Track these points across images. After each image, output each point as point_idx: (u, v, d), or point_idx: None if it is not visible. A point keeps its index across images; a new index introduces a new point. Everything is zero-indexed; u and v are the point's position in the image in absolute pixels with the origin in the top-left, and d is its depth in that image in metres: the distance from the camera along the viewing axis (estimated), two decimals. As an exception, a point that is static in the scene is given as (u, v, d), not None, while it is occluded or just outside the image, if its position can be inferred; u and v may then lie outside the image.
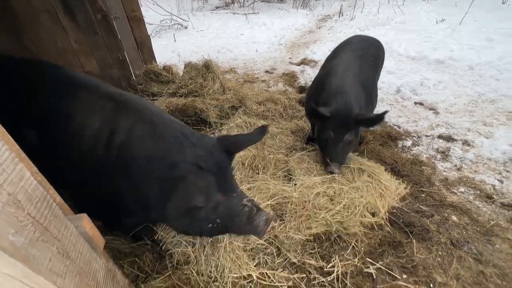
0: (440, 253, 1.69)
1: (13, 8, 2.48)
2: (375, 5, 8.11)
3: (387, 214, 1.88)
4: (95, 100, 1.35)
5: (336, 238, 1.72)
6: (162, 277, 1.49)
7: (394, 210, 1.92)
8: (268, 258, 1.63)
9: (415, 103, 3.49)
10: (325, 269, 1.58)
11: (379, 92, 3.82)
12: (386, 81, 4.01)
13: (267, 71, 4.76)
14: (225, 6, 9.28)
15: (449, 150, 2.61)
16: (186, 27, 7.09)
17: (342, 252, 1.66)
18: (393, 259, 1.65)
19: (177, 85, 2.99)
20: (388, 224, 1.84)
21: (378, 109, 3.32)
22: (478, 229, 1.85)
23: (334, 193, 1.88)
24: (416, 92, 3.69)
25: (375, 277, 1.55)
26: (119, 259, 1.53)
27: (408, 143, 2.72)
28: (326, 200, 1.82)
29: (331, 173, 2.06)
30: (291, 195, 1.84)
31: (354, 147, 2.23)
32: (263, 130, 1.34)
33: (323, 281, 1.52)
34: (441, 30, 5.54)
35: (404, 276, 1.58)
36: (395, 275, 1.57)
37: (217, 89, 2.89)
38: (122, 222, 1.45)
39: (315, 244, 1.68)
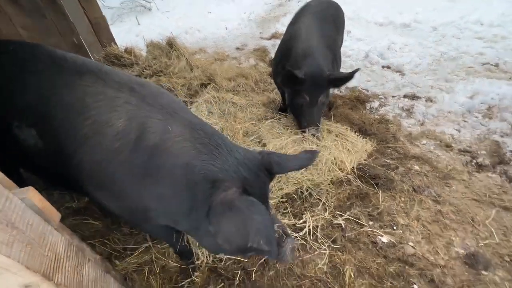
0: (403, 199, 1.81)
1: None
2: (343, -26, 7.97)
3: (355, 169, 1.97)
4: (113, 93, 1.10)
5: (307, 196, 1.79)
6: (138, 252, 1.50)
7: (361, 166, 2.01)
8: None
9: (383, 67, 3.57)
10: (297, 225, 1.65)
11: (348, 59, 3.88)
12: (355, 48, 4.05)
13: (237, 48, 4.66)
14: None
15: (413, 108, 2.72)
16: (150, 9, 6.70)
17: (313, 209, 1.74)
18: (360, 210, 1.75)
19: (140, 66, 2.87)
20: (357, 179, 1.93)
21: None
22: (437, 174, 1.98)
23: None
24: (383, 56, 3.76)
25: (344, 227, 1.65)
26: (89, 239, 1.52)
27: (376, 104, 2.81)
28: None
29: (313, 135, 2.07)
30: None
31: (325, 108, 2.27)
32: (312, 154, 1.16)
33: (296, 236, 1.60)
34: (407, -7, 5.58)
35: (371, 222, 1.69)
36: (362, 222, 1.67)
37: (184, 68, 2.81)
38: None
39: (287, 205, 1.75)
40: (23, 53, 1.22)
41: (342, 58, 3.82)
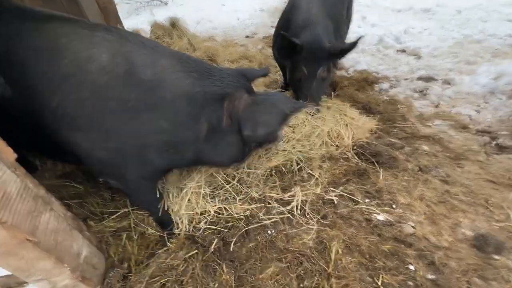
0: (406, 178, 1.63)
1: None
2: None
3: (354, 146, 1.81)
4: (88, 32, 1.06)
5: (298, 170, 1.66)
6: (115, 216, 1.46)
7: (362, 143, 1.85)
8: (228, 196, 1.58)
9: (397, 51, 3.34)
10: (285, 199, 1.54)
11: (360, 44, 3.67)
12: (369, 33, 3.84)
13: (247, 36, 4.59)
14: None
15: (428, 90, 2.50)
16: (166, 3, 6.84)
17: (304, 183, 1.62)
18: (357, 187, 1.60)
19: (144, 47, 2.88)
20: (355, 156, 1.77)
21: (359, 60, 3.20)
22: (449, 154, 1.78)
23: (298, 124, 1.81)
24: (399, 40, 3.53)
25: (336, 203, 1.51)
26: (67, 199, 1.50)
27: (385, 85, 2.62)
28: (288, 131, 1.75)
29: (311, 113, 1.93)
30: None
31: (327, 86, 2.12)
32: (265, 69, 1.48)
33: (282, 211, 1.48)
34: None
35: (367, 200, 1.54)
36: (357, 199, 1.52)
37: (185, 47, 2.78)
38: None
39: (276, 178, 1.64)
40: None
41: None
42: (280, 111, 1.19)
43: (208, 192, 1.56)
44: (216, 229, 1.41)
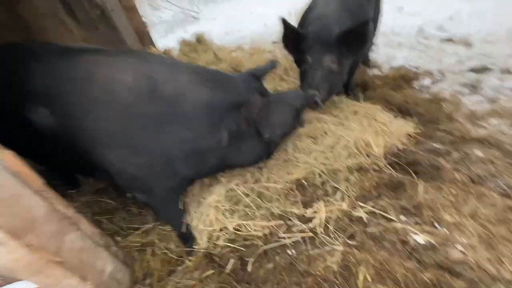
0: (453, 191, 1.39)
1: (21, 15, 2.79)
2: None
3: (387, 156, 1.62)
4: (111, 58, 1.21)
5: (321, 184, 1.53)
6: (140, 231, 1.52)
7: (397, 151, 1.64)
8: (249, 211, 1.53)
9: (442, 40, 2.95)
10: (307, 215, 1.43)
11: (396, 37, 3.34)
12: (407, 24, 3.48)
13: (274, 42, 4.55)
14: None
15: (481, 83, 2.14)
16: (198, 18, 7.20)
17: (328, 198, 1.48)
18: (390, 202, 1.41)
19: (174, 63, 3.04)
20: (388, 167, 1.58)
21: (395, 55, 2.91)
22: (510, 161, 1.47)
23: (321, 134, 1.68)
24: (443, 28, 3.11)
25: (366, 221, 1.35)
26: (98, 215, 1.60)
27: (427, 81, 2.31)
28: (309, 142, 1.64)
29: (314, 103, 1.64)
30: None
31: (339, 85, 1.89)
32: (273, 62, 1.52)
33: (304, 229, 1.38)
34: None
35: (403, 218, 1.34)
36: (391, 217, 1.34)
37: (211, 60, 2.85)
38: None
39: (298, 192, 1.53)
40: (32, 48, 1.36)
41: (389, 37, 3.33)
42: (292, 107, 1.41)
43: (227, 207, 1.53)
44: (234, 247, 1.36)
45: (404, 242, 1.24)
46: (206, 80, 1.23)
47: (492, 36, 2.71)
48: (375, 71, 2.67)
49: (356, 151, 1.57)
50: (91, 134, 1.14)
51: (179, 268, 1.34)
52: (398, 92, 2.23)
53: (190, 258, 1.36)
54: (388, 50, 3.02)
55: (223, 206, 1.52)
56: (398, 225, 1.30)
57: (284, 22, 1.69)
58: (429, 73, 2.43)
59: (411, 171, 1.51)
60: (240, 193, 1.57)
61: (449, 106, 1.98)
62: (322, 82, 1.65)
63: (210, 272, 1.25)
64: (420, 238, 1.23)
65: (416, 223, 1.30)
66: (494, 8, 3.14)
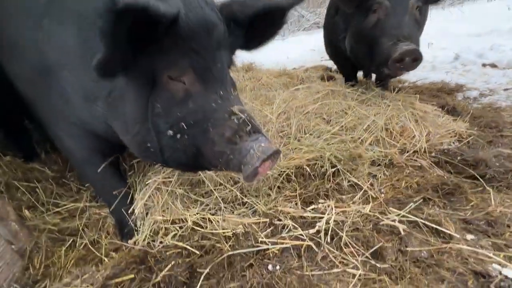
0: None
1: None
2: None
3: (432, 152, 1.12)
4: None
5: (332, 174, 1.03)
6: (64, 210, 1.05)
7: (447, 148, 1.14)
8: (223, 206, 1.03)
9: (484, 65, 2.58)
10: (306, 216, 0.91)
11: (428, 64, 3.01)
12: (439, 55, 3.20)
13: (294, 68, 4.44)
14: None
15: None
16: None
17: (341, 196, 0.97)
18: (445, 212, 0.88)
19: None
20: (434, 165, 1.07)
21: (428, 76, 2.56)
22: None
23: (337, 112, 1.21)
24: (483, 56, 2.78)
25: (402, 233, 0.81)
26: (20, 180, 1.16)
27: (474, 93, 1.88)
28: (319, 121, 1.19)
29: (404, 56, 1.11)
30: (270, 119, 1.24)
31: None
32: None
33: (299, 234, 0.85)
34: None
35: (471, 236, 0.79)
36: (450, 232, 0.79)
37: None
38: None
39: (296, 185, 1.04)
40: None
41: (423, 63, 3.03)
42: None
43: (192, 196, 1.05)
44: (183, 247, 0.85)
45: (481, 276, 0.68)
46: None
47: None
48: (405, 84, 2.29)
49: (386, 137, 1.09)
50: None
51: (92, 268, 0.82)
52: (438, 98, 1.79)
53: (113, 255, 0.86)
54: (417, 72, 2.68)
55: (186, 192, 1.05)
56: (464, 247, 0.75)
57: None
58: (474, 88, 2.01)
59: (475, 174, 0.99)
60: (212, 179, 1.10)
61: (507, 115, 1.50)
62: (414, 30, 1.22)
63: (128, 277, 0.73)
64: (510, 272, 0.67)
65: (496, 246, 0.75)
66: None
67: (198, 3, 0.71)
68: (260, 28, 0.86)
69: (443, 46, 3.55)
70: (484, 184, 0.95)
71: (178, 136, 0.73)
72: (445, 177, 1.01)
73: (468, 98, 1.85)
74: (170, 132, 0.73)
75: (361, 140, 1.10)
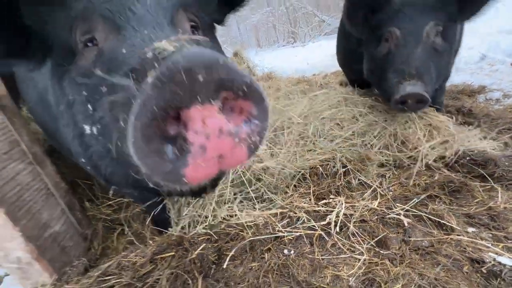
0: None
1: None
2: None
3: (444, 156, 1.18)
4: None
5: (343, 174, 1.14)
6: (114, 203, 1.27)
7: (462, 153, 1.18)
8: (246, 203, 1.18)
9: (512, 64, 2.50)
10: (318, 210, 1.02)
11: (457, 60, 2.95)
12: (465, 55, 3.12)
13: (314, 74, 4.53)
14: (287, 44, 9.92)
15: None
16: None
17: (351, 193, 1.07)
18: (449, 208, 0.95)
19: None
20: (443, 168, 1.13)
21: (454, 81, 2.52)
22: None
23: (349, 119, 1.31)
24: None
25: (406, 225, 0.90)
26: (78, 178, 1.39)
27: (496, 94, 1.86)
28: (332, 125, 1.30)
29: (406, 98, 1.05)
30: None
31: (446, 70, 1.27)
32: None
33: (312, 225, 0.97)
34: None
35: (472, 229, 0.86)
36: (452, 224, 0.86)
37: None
38: None
39: (310, 183, 1.16)
40: None
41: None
42: None
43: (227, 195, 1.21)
44: (211, 235, 1.00)
45: (476, 262, 0.75)
46: None
47: None
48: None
49: (395, 143, 1.17)
50: None
51: (142, 246, 1.01)
52: (458, 101, 1.81)
53: (155, 238, 1.04)
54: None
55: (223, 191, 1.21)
56: (464, 238, 0.82)
57: None
58: (498, 89, 1.98)
59: (484, 173, 1.04)
60: (244, 179, 1.25)
61: (533, 116, 1.49)
62: (426, 65, 1.07)
63: (169, 254, 0.90)
64: (506, 259, 0.73)
65: (495, 238, 0.81)
66: None
67: None
68: None
69: (470, 45, 3.44)
70: (492, 183, 1.00)
71: (94, 129, 0.50)
72: (453, 176, 1.07)
73: (490, 99, 1.83)
74: (86, 128, 0.51)
75: (371, 145, 1.19)
